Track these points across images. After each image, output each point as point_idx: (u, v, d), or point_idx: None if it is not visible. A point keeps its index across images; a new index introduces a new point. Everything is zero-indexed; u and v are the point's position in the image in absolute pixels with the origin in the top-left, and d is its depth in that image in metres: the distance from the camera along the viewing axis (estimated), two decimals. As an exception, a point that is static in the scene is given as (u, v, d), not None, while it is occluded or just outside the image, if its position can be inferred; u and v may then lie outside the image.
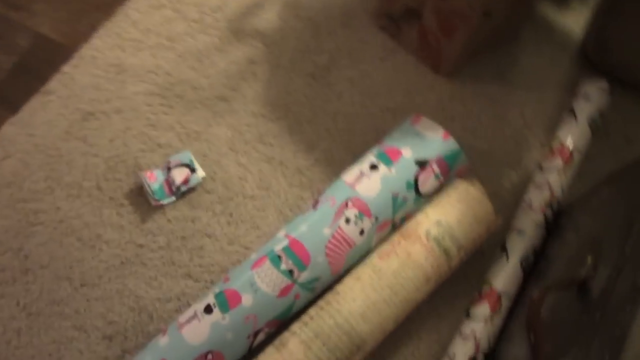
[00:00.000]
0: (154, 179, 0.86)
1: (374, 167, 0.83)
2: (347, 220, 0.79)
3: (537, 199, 0.89)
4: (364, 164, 0.84)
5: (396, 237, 0.81)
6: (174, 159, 0.88)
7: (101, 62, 0.96)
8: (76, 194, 0.87)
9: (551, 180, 0.90)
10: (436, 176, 0.84)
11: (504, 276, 0.83)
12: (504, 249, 0.86)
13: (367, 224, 0.80)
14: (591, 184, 0.92)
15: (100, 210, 0.86)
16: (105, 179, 0.88)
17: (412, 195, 0.83)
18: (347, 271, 0.81)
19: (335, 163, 0.92)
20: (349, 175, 0.84)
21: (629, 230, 0.60)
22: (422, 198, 0.84)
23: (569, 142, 0.92)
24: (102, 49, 0.97)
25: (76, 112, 0.92)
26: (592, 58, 1.02)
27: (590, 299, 0.58)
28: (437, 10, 0.90)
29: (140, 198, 0.87)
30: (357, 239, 0.80)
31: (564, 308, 0.63)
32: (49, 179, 0.87)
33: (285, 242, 0.78)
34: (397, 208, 0.82)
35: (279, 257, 0.77)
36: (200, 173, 0.88)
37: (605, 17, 0.96)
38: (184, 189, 0.87)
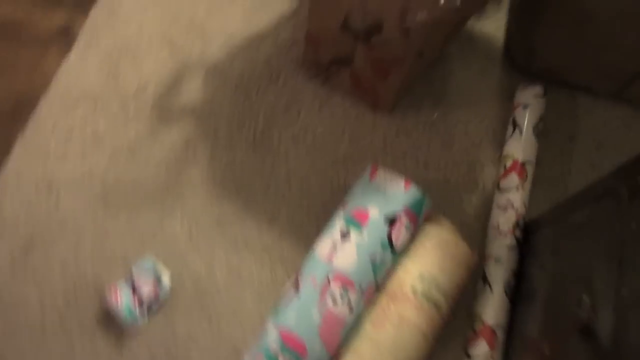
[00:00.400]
0: (121, 301, 0.81)
1: (345, 235, 0.81)
2: (334, 301, 0.77)
3: (504, 222, 0.90)
4: (334, 233, 0.82)
5: (384, 301, 0.80)
6: (136, 270, 0.83)
7: (27, 181, 0.89)
8: (40, 337, 0.81)
9: (512, 199, 0.91)
10: (407, 228, 0.83)
11: (493, 309, 0.84)
12: (485, 280, 0.87)
13: (353, 297, 0.79)
14: (546, 189, 0.94)
15: (72, 345, 0.80)
16: (68, 311, 0.82)
17: (388, 254, 0.82)
18: (343, 344, 0.80)
19: (301, 231, 0.90)
20: (322, 247, 0.82)
21: (619, 268, 0.62)
22: (397, 254, 0.83)
23: (520, 156, 0.94)
24: (24, 167, 0.90)
25: (15, 247, 0.85)
26: (518, 63, 1.03)
27: (602, 347, 0.59)
28: (369, 58, 0.88)
29: (111, 319, 0.82)
30: (348, 316, 0.78)
31: (573, 355, 0.64)
32: (6, 329, 0.81)
33: (278, 338, 0.76)
34: (377, 270, 0.81)
35: (276, 356, 0.74)
36: (167, 281, 0.84)
37: (523, 21, 0.97)
38: (155, 307, 0.82)
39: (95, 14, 1.01)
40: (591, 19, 0.86)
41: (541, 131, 0.97)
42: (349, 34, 0.86)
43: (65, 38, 0.98)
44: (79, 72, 0.96)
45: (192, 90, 0.97)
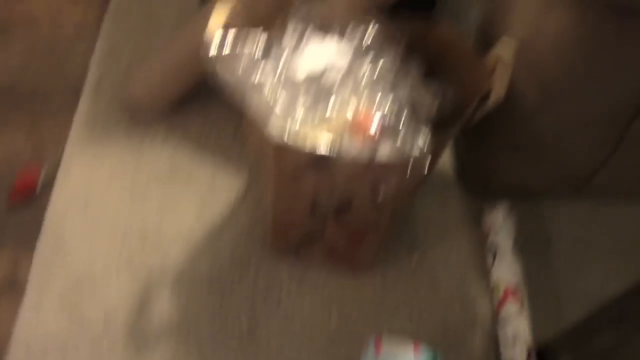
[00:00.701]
0: None
1: None
2: None
3: (517, 358, 0.87)
4: None
5: None
6: None
7: None
8: None
9: (516, 330, 0.88)
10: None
11: None
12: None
13: None
14: (540, 306, 0.93)
15: None
16: None
17: None
18: None
19: None
20: None
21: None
22: None
23: (510, 283, 0.92)
24: None
25: None
26: (476, 187, 1.04)
27: None
28: (341, 230, 0.86)
29: None
30: None
31: None
32: None
33: None
34: None
35: None
36: None
37: (474, 147, 0.99)
38: None
39: (40, 253, 0.94)
40: (544, 138, 0.88)
41: (520, 249, 0.96)
42: (318, 215, 0.84)
43: (13, 288, 0.91)
44: (37, 323, 0.88)
45: (164, 307, 0.91)
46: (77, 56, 1.17)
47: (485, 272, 0.97)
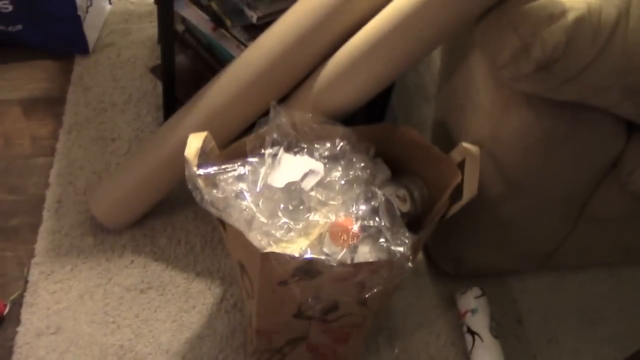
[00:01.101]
0: None
1: None
2: None
3: None
4: None
5: None
6: None
7: None
8: None
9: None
10: None
11: None
12: None
13: None
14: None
15: None
16: None
17: None
18: None
19: None
20: None
21: None
22: None
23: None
24: None
25: None
26: (446, 271, 1.07)
27: None
28: (326, 330, 0.87)
29: None
30: None
31: None
32: None
33: None
34: None
35: None
36: None
37: (443, 234, 1.03)
38: None
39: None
40: (510, 222, 0.93)
41: (496, 330, 0.99)
42: (303, 319, 0.84)
43: None
44: None
45: None
46: (34, 173, 1.15)
47: (465, 356, 0.99)
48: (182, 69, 1.23)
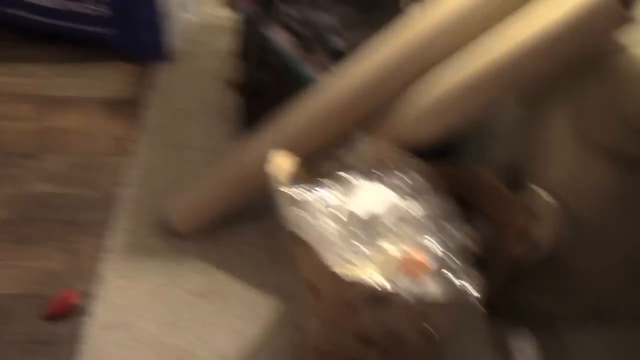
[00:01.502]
0: None
1: None
2: None
3: None
4: None
5: None
6: None
7: None
8: None
9: None
10: None
11: None
12: None
13: None
14: None
15: None
16: None
17: None
18: None
19: None
20: None
21: None
22: None
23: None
24: None
25: None
26: (500, 312, 1.07)
27: None
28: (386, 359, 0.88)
29: None
30: None
31: None
32: None
33: None
34: None
35: None
36: None
37: (510, 283, 1.03)
38: None
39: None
40: (572, 270, 0.93)
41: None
42: (364, 344, 0.86)
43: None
44: None
45: None
46: (111, 171, 1.20)
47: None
48: (260, 85, 1.28)
